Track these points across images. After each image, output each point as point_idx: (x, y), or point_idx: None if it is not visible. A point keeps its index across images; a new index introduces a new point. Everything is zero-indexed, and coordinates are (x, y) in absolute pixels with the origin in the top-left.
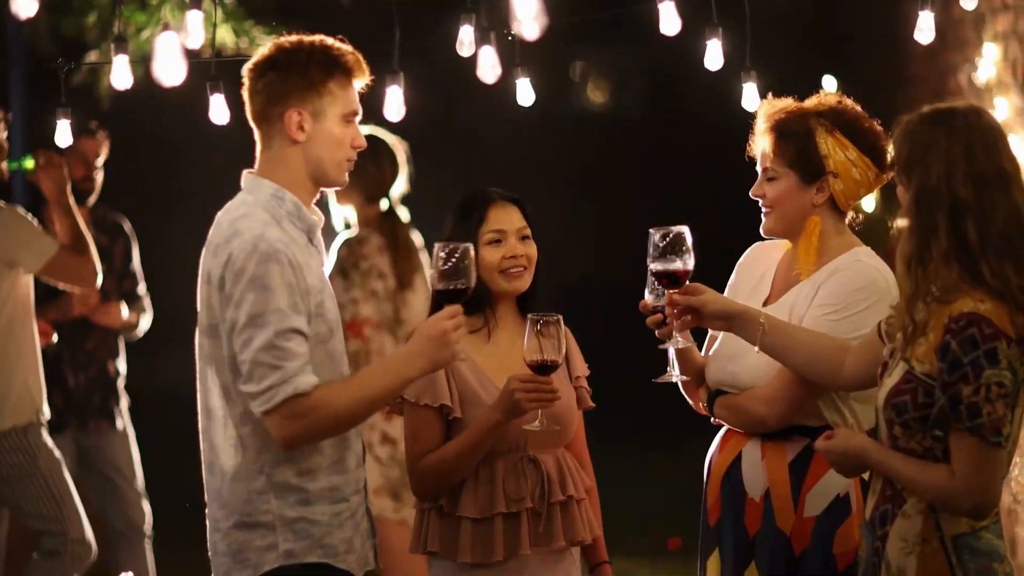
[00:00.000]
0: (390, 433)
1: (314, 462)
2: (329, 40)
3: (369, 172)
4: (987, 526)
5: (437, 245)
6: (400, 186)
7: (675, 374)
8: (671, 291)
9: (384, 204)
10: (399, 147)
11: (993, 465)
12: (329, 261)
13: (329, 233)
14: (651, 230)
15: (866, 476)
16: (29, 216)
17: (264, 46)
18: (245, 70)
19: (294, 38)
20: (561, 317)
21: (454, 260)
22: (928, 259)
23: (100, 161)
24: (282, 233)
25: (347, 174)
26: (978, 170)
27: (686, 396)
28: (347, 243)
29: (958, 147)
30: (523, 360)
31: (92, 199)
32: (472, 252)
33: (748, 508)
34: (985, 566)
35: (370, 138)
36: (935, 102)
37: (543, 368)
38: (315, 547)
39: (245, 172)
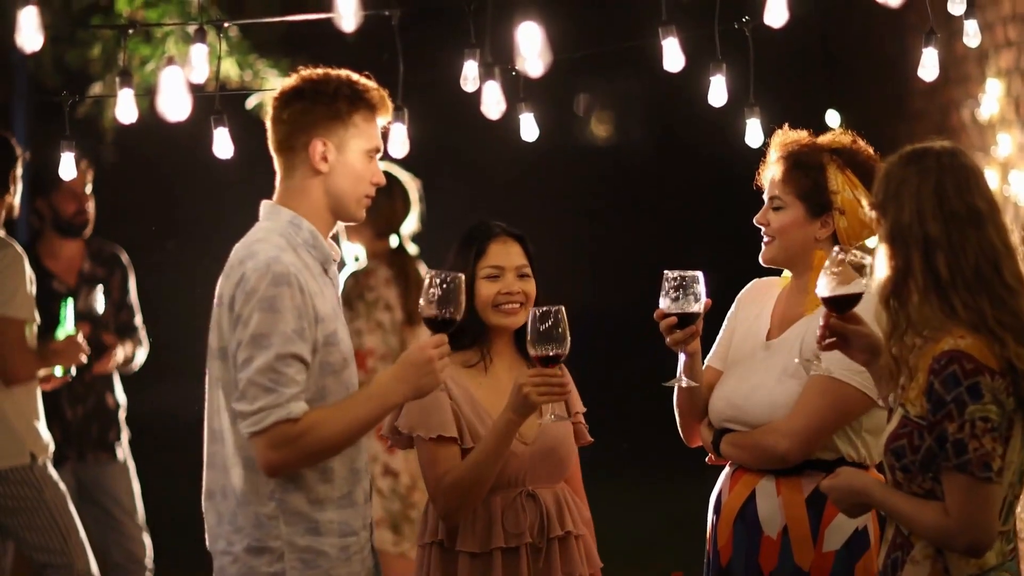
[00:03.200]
0: (392, 466)
1: (323, 492)
2: (355, 75)
3: (382, 207)
4: (997, 566)
5: (428, 274)
6: (412, 223)
7: (684, 381)
8: (831, 315)
9: (394, 240)
10: (412, 185)
11: (985, 501)
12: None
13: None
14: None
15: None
16: (22, 264)
17: (282, 78)
18: (271, 99)
19: (320, 70)
20: (563, 308)
21: (443, 289)
22: (906, 296)
23: (88, 190)
24: (296, 259)
25: (364, 210)
26: (948, 208)
27: (681, 433)
28: (353, 275)
29: (928, 185)
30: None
31: (88, 231)
32: (462, 282)
33: (763, 546)
34: None
35: (384, 174)
36: (938, 137)
37: (548, 360)
38: None
39: (264, 202)
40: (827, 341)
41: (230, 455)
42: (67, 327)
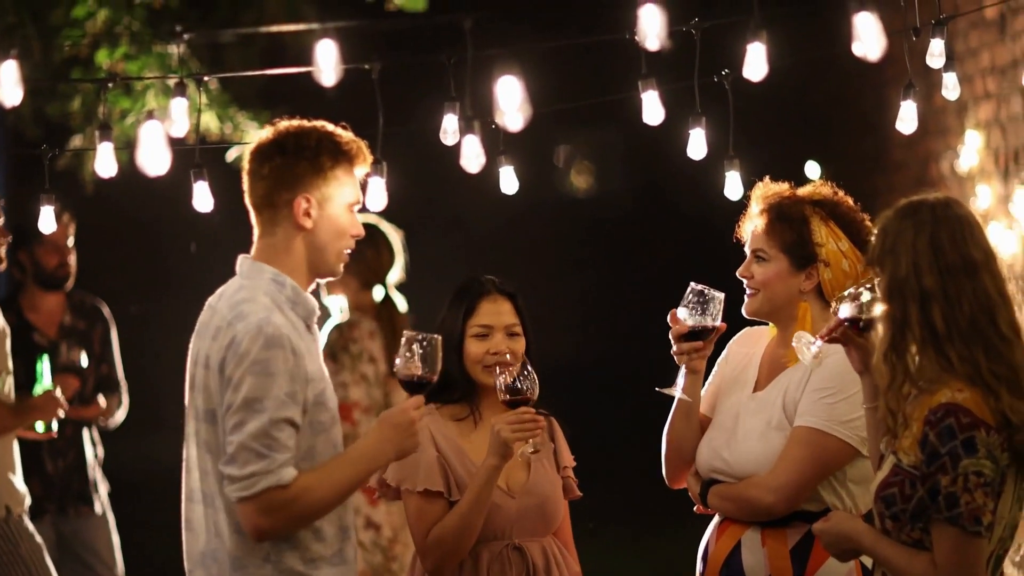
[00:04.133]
0: (374, 519)
1: (317, 551)
2: (331, 127)
3: (368, 258)
4: None
5: (405, 335)
6: (396, 274)
7: (678, 392)
8: (847, 327)
9: (379, 291)
10: (395, 235)
11: (973, 555)
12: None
13: (323, 317)
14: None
15: (868, 563)
16: None
17: (262, 130)
18: (247, 153)
19: (296, 123)
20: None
21: (420, 351)
22: (903, 349)
23: (71, 243)
24: (285, 319)
25: (343, 264)
26: (943, 260)
27: (665, 470)
28: (338, 327)
29: (923, 238)
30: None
31: (69, 284)
32: (439, 344)
33: None
34: None
35: (369, 226)
36: (916, 189)
37: (516, 402)
38: None
39: (242, 257)
40: (829, 337)
41: (222, 518)
42: (44, 382)
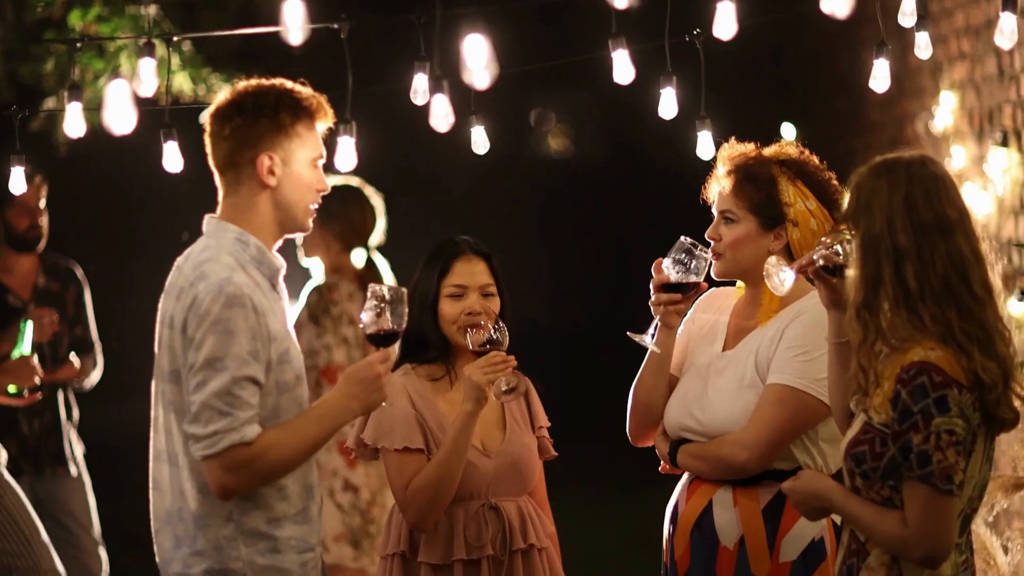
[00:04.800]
0: (352, 480)
1: (281, 510)
2: (289, 84)
3: (353, 220)
4: None
5: (370, 288)
6: (377, 236)
7: (649, 341)
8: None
9: (360, 254)
10: (377, 198)
11: (944, 513)
12: (297, 307)
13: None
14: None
15: (838, 520)
16: None
17: (221, 92)
18: (207, 116)
19: (255, 82)
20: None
21: (385, 303)
22: (876, 307)
23: (42, 204)
24: (247, 278)
25: (311, 220)
26: (917, 218)
27: (630, 427)
28: (317, 289)
29: (898, 196)
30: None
31: (41, 245)
32: (404, 295)
33: (720, 557)
34: None
35: (352, 188)
36: (891, 150)
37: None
38: None
39: (208, 217)
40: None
41: (185, 478)
42: (24, 348)
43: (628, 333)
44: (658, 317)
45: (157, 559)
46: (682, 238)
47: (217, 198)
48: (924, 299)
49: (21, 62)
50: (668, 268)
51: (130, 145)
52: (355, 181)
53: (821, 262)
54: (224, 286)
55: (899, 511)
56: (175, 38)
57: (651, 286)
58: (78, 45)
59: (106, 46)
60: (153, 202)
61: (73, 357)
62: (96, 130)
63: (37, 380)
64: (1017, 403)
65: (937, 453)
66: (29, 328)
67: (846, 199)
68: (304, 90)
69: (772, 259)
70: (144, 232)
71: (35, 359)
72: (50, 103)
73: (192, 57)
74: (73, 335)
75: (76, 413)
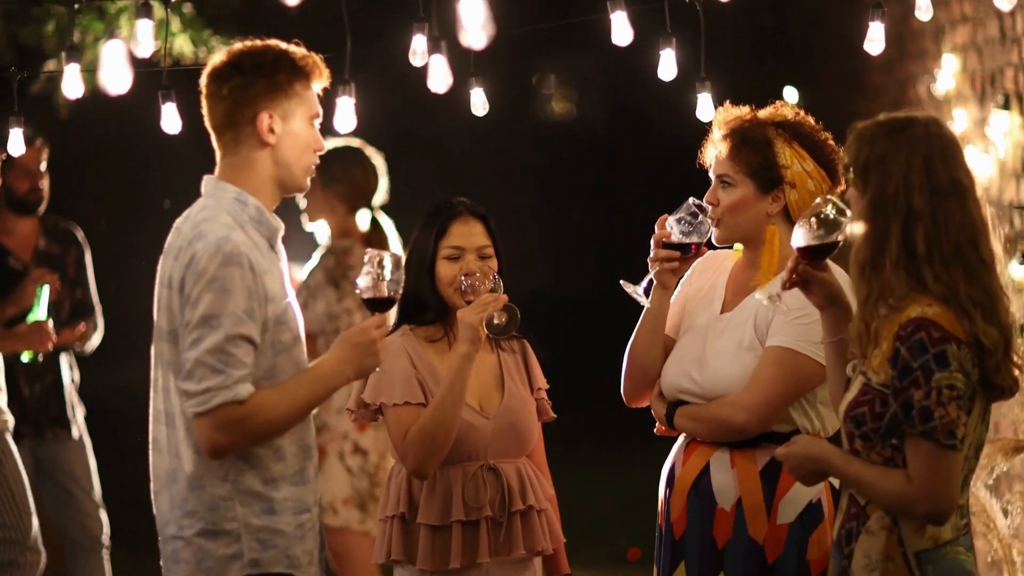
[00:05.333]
0: (361, 444)
1: (277, 471)
2: (284, 44)
3: (357, 180)
4: (952, 540)
5: (367, 253)
6: (380, 197)
7: (640, 293)
8: (801, 262)
9: (366, 215)
10: (377, 157)
11: (948, 469)
12: (305, 271)
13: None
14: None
15: (836, 484)
16: None
17: (216, 54)
18: (204, 77)
19: (249, 43)
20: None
21: (381, 269)
22: (882, 265)
23: (43, 168)
24: (245, 237)
25: (309, 179)
26: (935, 181)
27: (625, 387)
28: (332, 253)
29: (918, 157)
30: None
31: (42, 208)
32: (400, 261)
33: (718, 519)
34: None
35: (352, 148)
36: (893, 112)
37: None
38: (281, 557)
39: (206, 177)
40: (791, 280)
41: (181, 438)
42: (39, 313)
43: (621, 281)
44: (653, 272)
45: (156, 521)
46: (690, 199)
47: (216, 160)
48: (932, 261)
49: (22, 24)
50: (671, 226)
51: (131, 108)
52: (356, 142)
53: (808, 247)
54: (222, 244)
55: (902, 470)
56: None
57: (652, 241)
58: (76, 7)
59: (107, 8)
60: (154, 165)
61: (82, 325)
62: (97, 92)
63: (51, 346)
64: (1016, 372)
65: (939, 408)
66: (45, 292)
67: (849, 152)
68: (299, 50)
69: (757, 294)
70: (145, 195)
71: (50, 324)
72: (50, 65)
73: (193, 19)
74: (74, 298)
75: (77, 375)
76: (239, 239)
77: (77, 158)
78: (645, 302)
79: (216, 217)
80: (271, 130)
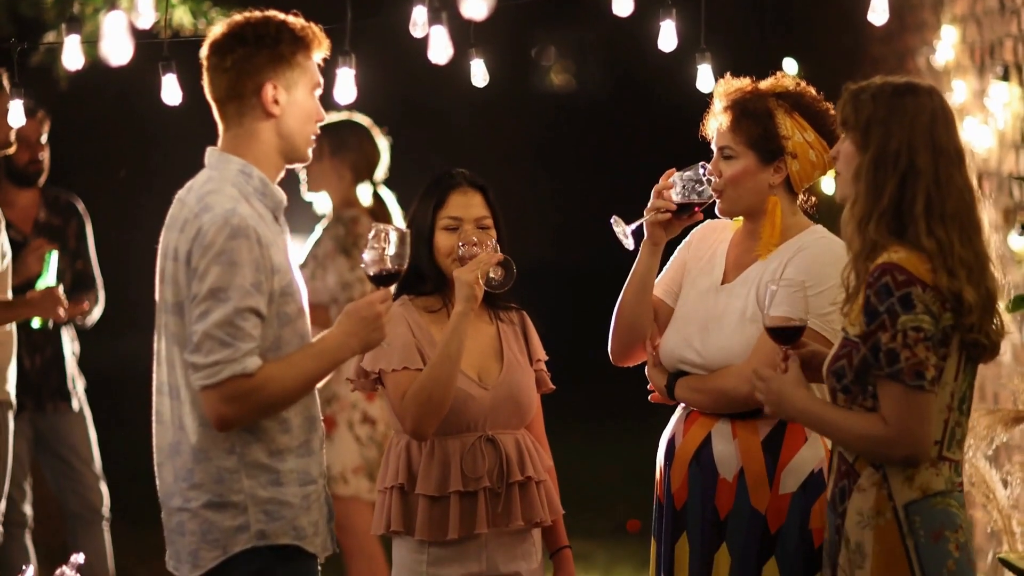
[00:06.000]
0: (370, 413)
1: (283, 442)
2: (282, 15)
3: (367, 151)
4: (944, 492)
5: (373, 227)
6: (382, 170)
7: (628, 235)
8: (786, 350)
9: (367, 187)
10: (377, 131)
11: (919, 409)
12: (310, 242)
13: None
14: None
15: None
16: None
17: (217, 26)
18: (204, 48)
19: (248, 14)
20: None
21: (387, 243)
22: (873, 219)
23: (44, 140)
24: (251, 210)
25: (310, 151)
26: (939, 143)
27: (613, 343)
28: (340, 222)
29: (922, 119)
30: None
31: (42, 180)
32: (406, 236)
33: (720, 489)
34: (937, 533)
35: (354, 123)
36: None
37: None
38: (287, 528)
39: (209, 149)
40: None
41: (187, 411)
42: (48, 279)
43: (613, 217)
44: (646, 219)
45: (159, 493)
46: (700, 163)
47: (218, 132)
48: (929, 218)
49: None
50: (675, 181)
51: (131, 79)
52: (360, 117)
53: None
54: (229, 217)
55: (877, 414)
56: None
57: (653, 190)
58: None
59: None
60: (153, 137)
61: (86, 300)
62: (96, 64)
63: (62, 312)
64: (995, 334)
65: (905, 351)
66: (54, 258)
67: (846, 110)
68: (299, 21)
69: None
70: (144, 167)
71: (60, 289)
72: (50, 37)
73: None
74: (75, 269)
75: (77, 347)
76: (246, 212)
77: (77, 129)
78: (630, 244)
79: (221, 189)
80: (275, 101)
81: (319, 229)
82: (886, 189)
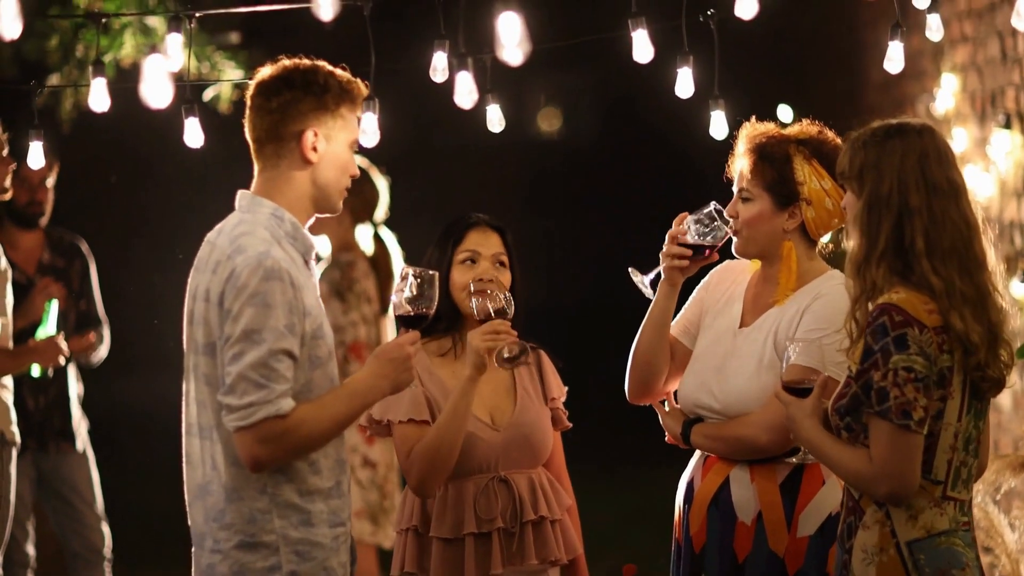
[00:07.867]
0: (371, 457)
1: (313, 484)
2: (329, 66)
3: (367, 194)
4: (949, 531)
5: (402, 270)
6: (382, 212)
7: (647, 284)
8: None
9: (367, 229)
10: (375, 171)
11: (906, 449)
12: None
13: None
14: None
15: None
16: None
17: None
18: (251, 87)
19: (299, 60)
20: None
21: (417, 285)
22: (873, 263)
23: (50, 182)
24: (284, 253)
25: (341, 202)
26: (931, 179)
27: (630, 384)
28: (339, 267)
29: (912, 157)
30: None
31: (43, 221)
32: (436, 279)
33: (738, 532)
34: (943, 571)
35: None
36: (886, 120)
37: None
38: (318, 570)
39: (241, 192)
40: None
41: (218, 451)
42: (48, 328)
43: (630, 269)
44: (663, 266)
45: (192, 533)
46: (712, 203)
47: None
48: (931, 257)
49: (25, 39)
50: (689, 225)
51: (140, 122)
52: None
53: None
54: (263, 259)
55: (865, 449)
56: (197, 14)
57: (667, 236)
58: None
59: (111, 24)
60: (158, 179)
61: (92, 334)
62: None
63: (62, 360)
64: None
65: (895, 389)
66: (54, 307)
67: (844, 160)
68: (346, 74)
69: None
70: (152, 210)
71: (61, 338)
72: (54, 80)
73: (196, 35)
74: (78, 310)
75: (80, 388)
76: (279, 254)
77: (77, 171)
78: (650, 294)
79: (254, 232)
80: (314, 148)
81: (317, 272)
82: (882, 231)
